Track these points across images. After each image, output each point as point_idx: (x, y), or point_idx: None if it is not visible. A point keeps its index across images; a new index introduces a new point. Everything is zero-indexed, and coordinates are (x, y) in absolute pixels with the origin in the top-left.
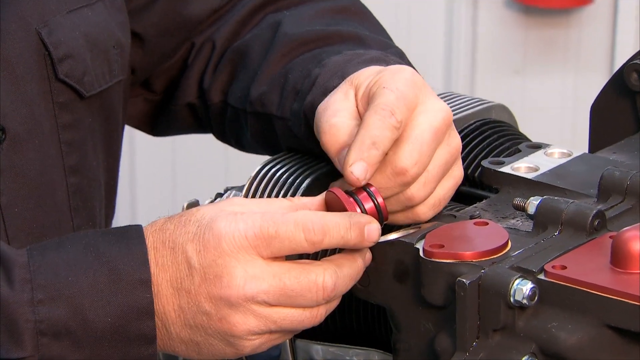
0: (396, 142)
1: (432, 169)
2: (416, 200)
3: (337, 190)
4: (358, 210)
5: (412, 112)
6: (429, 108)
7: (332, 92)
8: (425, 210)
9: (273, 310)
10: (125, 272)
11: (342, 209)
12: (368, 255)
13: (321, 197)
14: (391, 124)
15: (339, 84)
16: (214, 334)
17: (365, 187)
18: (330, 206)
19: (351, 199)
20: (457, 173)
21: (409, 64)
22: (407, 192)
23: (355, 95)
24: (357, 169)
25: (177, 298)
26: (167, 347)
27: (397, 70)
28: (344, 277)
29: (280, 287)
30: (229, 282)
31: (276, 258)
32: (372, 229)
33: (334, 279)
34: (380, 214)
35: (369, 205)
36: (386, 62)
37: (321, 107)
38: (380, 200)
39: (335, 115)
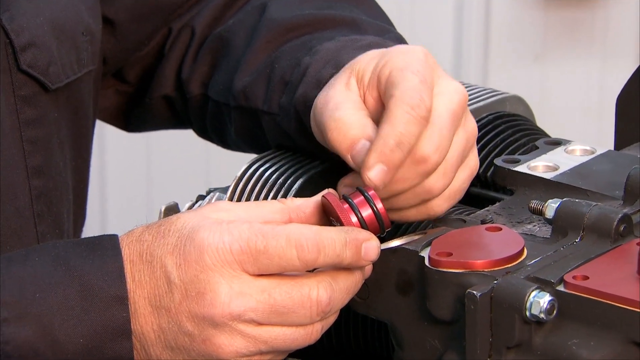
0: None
1: (450, 158)
2: (435, 192)
3: (330, 196)
4: (354, 218)
5: None
6: (444, 90)
7: (329, 83)
8: (440, 203)
9: (263, 329)
10: (98, 287)
11: (337, 217)
12: (368, 267)
13: (316, 199)
14: (420, 115)
15: (333, 74)
16: (198, 357)
17: (363, 191)
18: (327, 211)
19: (346, 206)
20: (472, 162)
21: None
22: (426, 184)
23: (359, 83)
24: (375, 174)
25: (157, 317)
26: None
27: (407, 50)
28: (340, 290)
29: (270, 304)
30: (213, 300)
31: (264, 274)
32: (370, 247)
33: (329, 292)
34: (380, 222)
35: (366, 212)
36: (384, 48)
37: (320, 101)
38: (380, 206)
39: (339, 109)
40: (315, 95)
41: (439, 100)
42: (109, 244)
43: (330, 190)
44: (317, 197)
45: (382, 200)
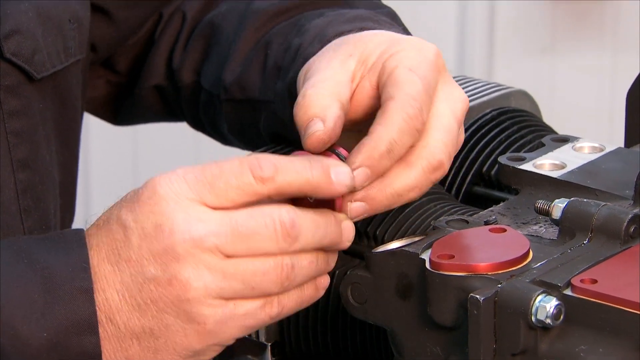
0: (423, 131)
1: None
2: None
3: (300, 152)
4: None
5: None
6: (449, 96)
7: (324, 57)
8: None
9: (230, 261)
10: (62, 280)
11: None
12: (344, 210)
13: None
14: (415, 127)
15: (319, 48)
16: (167, 307)
17: (333, 149)
18: None
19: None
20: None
21: (402, 27)
22: None
23: (360, 64)
24: (359, 176)
25: (118, 273)
26: (119, 355)
27: (420, 46)
28: (305, 218)
29: (232, 226)
30: (172, 229)
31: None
32: (340, 171)
33: (291, 215)
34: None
35: (339, 149)
36: (374, 22)
37: (306, 72)
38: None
39: (314, 86)
40: None
41: (445, 106)
42: (73, 237)
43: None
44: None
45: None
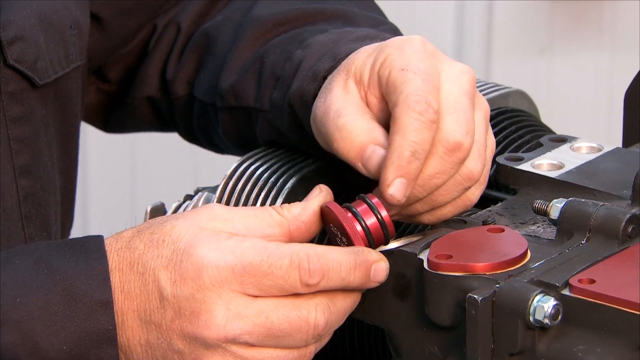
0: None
1: (479, 139)
2: (475, 177)
3: (332, 205)
4: (358, 227)
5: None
6: (451, 74)
7: (326, 88)
8: (474, 191)
9: (256, 350)
10: (82, 292)
11: (340, 225)
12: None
13: (314, 206)
14: (429, 119)
15: (331, 66)
16: None
17: (366, 199)
18: (327, 219)
19: (349, 215)
20: (491, 142)
21: None
22: (465, 170)
23: (358, 84)
24: (397, 190)
25: (145, 332)
26: None
27: (403, 42)
28: (337, 312)
29: (267, 327)
30: (208, 321)
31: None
32: (379, 268)
33: (326, 315)
34: (385, 231)
35: (371, 221)
36: (380, 40)
37: (320, 109)
38: (384, 214)
39: (340, 116)
40: (312, 89)
41: (451, 85)
42: (93, 246)
43: (323, 186)
44: (315, 204)
45: (423, 199)
